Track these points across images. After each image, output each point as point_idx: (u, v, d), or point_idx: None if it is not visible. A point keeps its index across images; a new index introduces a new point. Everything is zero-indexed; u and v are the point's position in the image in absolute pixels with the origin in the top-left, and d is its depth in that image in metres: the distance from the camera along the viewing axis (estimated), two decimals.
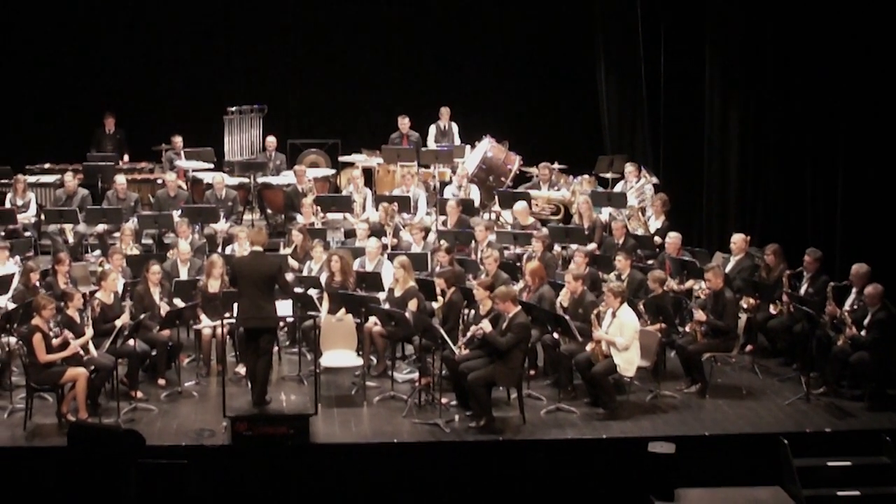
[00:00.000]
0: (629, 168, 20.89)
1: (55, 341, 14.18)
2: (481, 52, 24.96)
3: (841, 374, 15.18)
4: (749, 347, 16.40)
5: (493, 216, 20.70)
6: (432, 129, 23.47)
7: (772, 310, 16.36)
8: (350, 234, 19.60)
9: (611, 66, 23.88)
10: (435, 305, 15.81)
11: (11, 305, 15.60)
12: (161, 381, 15.56)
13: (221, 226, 19.79)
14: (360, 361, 15.62)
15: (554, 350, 15.44)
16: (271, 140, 23.19)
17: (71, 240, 19.74)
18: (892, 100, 16.81)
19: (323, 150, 23.92)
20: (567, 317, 14.96)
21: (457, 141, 23.20)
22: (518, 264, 17.61)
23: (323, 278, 16.66)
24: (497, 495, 13.85)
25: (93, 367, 14.33)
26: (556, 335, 15.26)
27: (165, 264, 16.96)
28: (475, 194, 21.04)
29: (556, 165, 21.70)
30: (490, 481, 13.85)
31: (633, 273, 16.66)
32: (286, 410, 14.74)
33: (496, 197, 20.84)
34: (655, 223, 19.33)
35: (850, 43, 17.36)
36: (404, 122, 23.28)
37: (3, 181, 21.21)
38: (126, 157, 23.63)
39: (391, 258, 16.97)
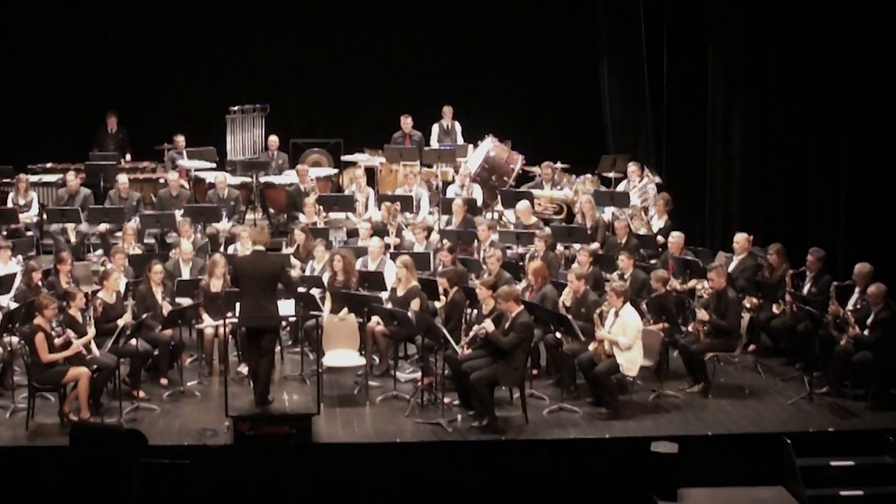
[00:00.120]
0: (632, 167, 20.86)
1: (57, 341, 14.17)
2: (484, 51, 24.92)
3: (844, 374, 15.17)
4: (752, 347, 16.39)
5: (496, 216, 20.68)
6: (435, 129, 23.46)
7: (775, 309, 16.35)
8: (352, 233, 19.59)
9: (613, 65, 23.86)
10: (437, 305, 15.80)
11: (13, 305, 15.61)
12: (163, 381, 15.56)
13: (224, 225, 19.79)
14: (362, 361, 15.62)
15: (556, 350, 15.43)
16: (273, 139, 23.17)
17: (73, 239, 19.75)
18: (894, 99, 16.79)
19: (325, 149, 23.90)
20: (570, 316, 14.94)
21: (460, 140, 23.18)
22: (521, 264, 17.61)
23: (325, 278, 16.65)
24: (500, 495, 13.83)
25: (95, 367, 14.33)
26: (558, 335, 15.26)
27: (168, 264, 16.96)
28: (478, 194, 21.02)
29: (558, 165, 21.70)
30: (493, 481, 13.83)
31: (636, 272, 16.65)
32: (288, 410, 14.74)
33: (499, 196, 20.83)
34: (658, 223, 19.32)
35: (852, 42, 17.36)
36: (407, 122, 23.27)
37: (5, 180, 21.20)
38: (128, 157, 23.61)
39: (394, 258, 16.96)
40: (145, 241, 19.47)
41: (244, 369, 15.64)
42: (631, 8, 22.77)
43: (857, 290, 15.43)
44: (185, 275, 16.99)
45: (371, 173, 22.62)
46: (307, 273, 17.20)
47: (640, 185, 20.57)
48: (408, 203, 20.12)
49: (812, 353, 15.30)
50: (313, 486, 13.72)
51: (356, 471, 13.77)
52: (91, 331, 14.64)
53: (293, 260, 17.69)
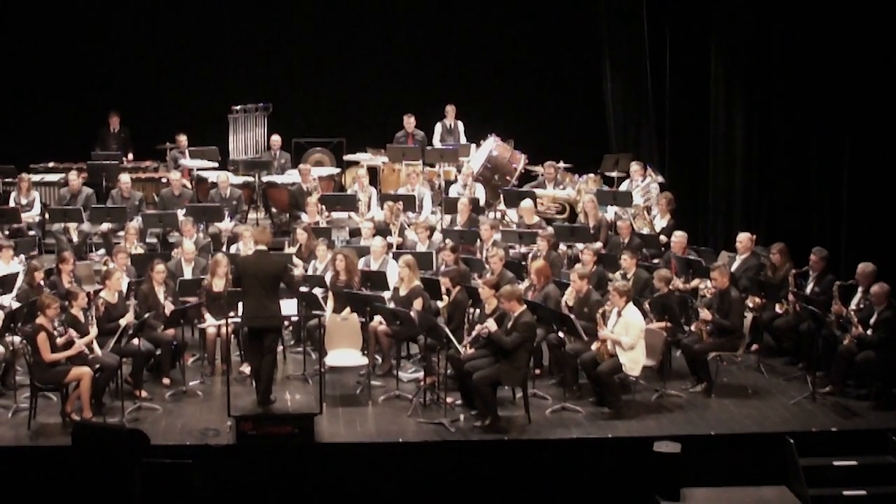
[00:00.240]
0: (635, 167, 20.86)
1: (59, 340, 14.17)
2: (487, 50, 24.91)
3: (847, 374, 15.14)
4: (755, 347, 16.38)
5: (499, 215, 20.67)
6: (438, 128, 23.45)
7: (778, 309, 16.34)
8: (355, 232, 19.57)
9: (616, 64, 23.84)
10: (440, 304, 15.78)
11: (16, 304, 15.60)
12: (165, 381, 15.57)
13: (226, 225, 19.79)
14: (364, 361, 15.61)
15: (559, 349, 15.41)
16: (276, 139, 23.15)
17: (75, 239, 19.75)
18: None
19: (328, 148, 23.88)
20: (572, 316, 14.93)
21: (463, 139, 23.19)
22: (523, 263, 17.60)
23: (328, 277, 16.65)
24: (502, 495, 13.82)
25: (97, 367, 14.32)
26: (561, 334, 15.24)
27: (170, 263, 16.95)
28: (480, 193, 21.01)
29: (561, 164, 21.68)
30: (495, 481, 13.82)
31: (639, 272, 16.63)
32: (291, 410, 14.73)
33: (501, 196, 20.81)
34: (661, 222, 19.31)
35: (855, 42, 17.37)
36: (410, 121, 23.26)
37: (7, 180, 21.20)
38: (130, 156, 23.57)
39: (396, 257, 16.94)
40: (147, 240, 19.46)
41: (246, 369, 15.64)
42: (633, 7, 22.77)
43: (860, 289, 15.41)
44: (188, 274, 16.98)
45: (373, 173, 22.62)
46: (309, 272, 17.19)
47: (643, 184, 20.56)
48: (410, 202, 20.12)
49: (815, 353, 15.28)
50: (315, 485, 13.71)
51: (358, 471, 13.76)
52: (93, 330, 14.62)
53: (295, 259, 17.68)
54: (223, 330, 15.61)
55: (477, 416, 14.30)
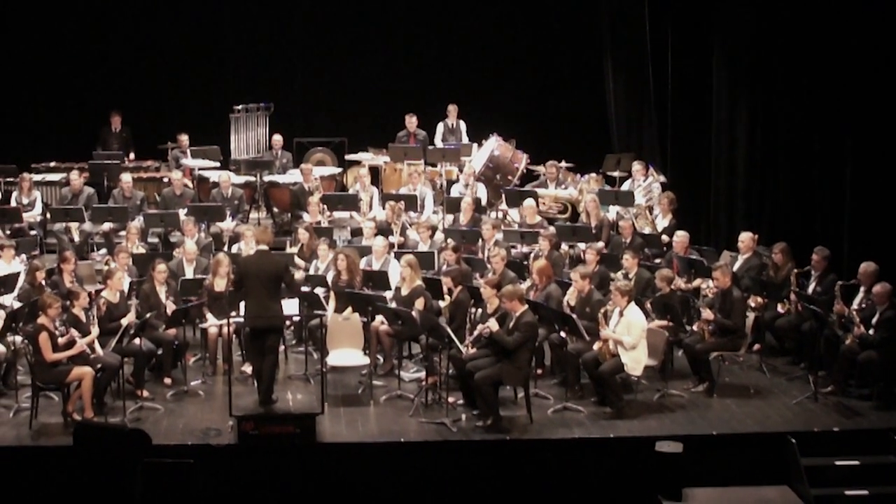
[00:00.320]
0: (637, 166, 20.85)
1: (61, 340, 14.16)
2: (489, 50, 24.90)
3: (849, 373, 15.13)
4: (757, 346, 16.36)
5: (500, 215, 20.66)
6: (440, 128, 23.46)
7: (780, 309, 16.33)
8: (356, 232, 19.55)
9: (618, 64, 23.83)
10: (442, 304, 15.79)
11: (17, 304, 15.59)
12: (167, 380, 15.56)
13: (227, 224, 19.78)
14: (366, 360, 15.60)
15: (561, 349, 15.40)
16: (277, 138, 23.15)
17: (77, 238, 19.75)
18: None
19: (329, 148, 23.89)
20: (574, 315, 14.92)
21: (465, 139, 23.18)
22: (525, 263, 17.59)
23: (329, 277, 16.64)
24: (504, 495, 13.81)
25: (99, 366, 14.32)
26: (563, 334, 15.22)
27: (171, 263, 16.92)
28: (482, 193, 21.01)
29: (563, 164, 21.67)
30: (497, 481, 13.81)
31: (641, 272, 16.62)
32: (292, 409, 14.72)
33: (503, 195, 20.80)
34: (663, 222, 19.30)
35: (857, 41, 17.34)
36: (411, 121, 23.25)
37: (8, 180, 21.18)
38: (132, 156, 23.57)
39: (398, 257, 16.92)
40: (149, 240, 19.48)
41: (248, 369, 15.63)
42: (635, 7, 22.74)
43: (862, 289, 15.40)
44: (189, 274, 16.97)
45: (375, 172, 22.61)
46: (311, 272, 17.18)
47: (645, 184, 20.56)
48: (412, 202, 20.12)
49: (817, 353, 15.25)
50: (317, 485, 13.70)
51: (360, 470, 13.75)
52: (95, 330, 14.61)
53: (297, 259, 17.67)
54: (225, 330, 15.61)
55: (479, 416, 14.29)
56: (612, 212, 19.90)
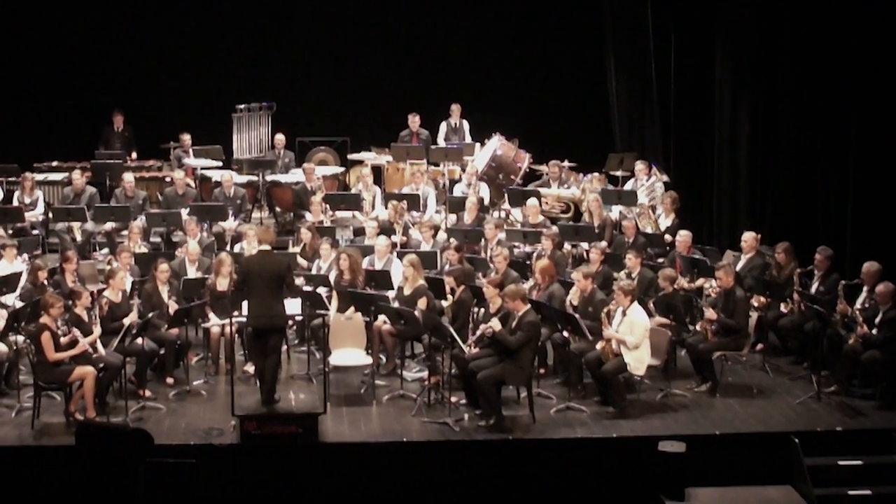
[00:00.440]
0: (639, 166, 20.85)
1: (63, 340, 14.15)
2: (492, 49, 24.88)
3: (852, 373, 15.14)
4: (760, 346, 16.34)
5: (503, 214, 20.64)
6: (443, 127, 23.44)
7: (783, 308, 16.32)
8: (359, 232, 19.53)
9: (621, 63, 23.82)
10: (444, 304, 15.77)
11: (19, 304, 15.58)
12: (169, 380, 15.55)
13: (230, 224, 19.77)
14: (369, 360, 15.57)
15: (564, 349, 15.39)
16: (280, 138, 23.13)
17: (79, 238, 19.75)
18: None
19: (332, 147, 23.88)
20: (577, 315, 14.92)
21: (468, 138, 23.16)
22: (528, 262, 17.58)
23: (332, 276, 16.62)
24: (507, 495, 13.80)
25: (101, 366, 14.30)
26: (565, 334, 15.21)
27: (174, 262, 16.90)
28: (485, 192, 20.99)
29: (566, 163, 21.65)
30: (500, 480, 13.80)
31: (644, 271, 16.61)
32: (295, 409, 14.70)
33: (506, 195, 20.78)
34: (666, 221, 19.29)
35: (861, 40, 17.32)
36: (414, 120, 23.23)
37: (10, 179, 21.16)
38: (134, 155, 23.57)
39: (400, 256, 16.91)
40: (151, 239, 19.48)
41: (250, 368, 15.63)
42: (638, 6, 22.73)
43: (865, 288, 15.39)
44: (191, 274, 16.94)
45: (378, 172, 22.61)
46: (313, 272, 17.17)
47: (648, 183, 20.54)
48: (414, 202, 20.09)
49: (820, 352, 15.23)
50: (320, 485, 13.69)
51: (362, 470, 13.74)
52: (97, 330, 14.61)
53: (300, 259, 17.66)
54: (227, 329, 15.60)
55: (481, 416, 14.28)
56: (615, 211, 19.88)
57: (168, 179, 21.69)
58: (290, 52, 25.10)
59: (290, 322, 16.45)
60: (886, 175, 17.11)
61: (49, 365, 13.98)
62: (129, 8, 24.49)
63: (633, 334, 14.49)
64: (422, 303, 15.63)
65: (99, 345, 14.56)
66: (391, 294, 16.28)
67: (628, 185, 20.86)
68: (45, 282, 16.06)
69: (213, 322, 16.01)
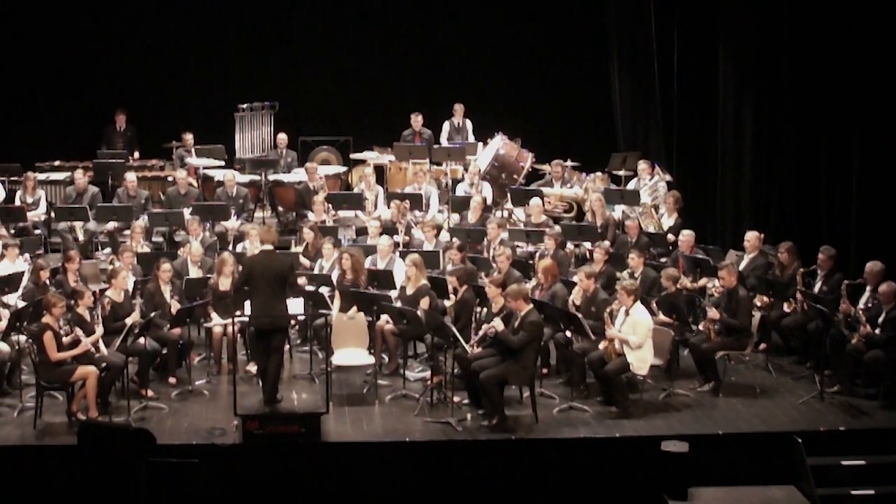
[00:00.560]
0: (642, 165, 20.82)
1: (65, 339, 14.15)
2: (495, 49, 24.88)
3: (855, 373, 15.11)
4: (763, 346, 16.31)
5: (506, 214, 20.62)
6: (446, 126, 23.42)
7: (786, 308, 16.30)
8: (361, 231, 19.53)
9: (624, 62, 23.80)
10: (447, 303, 15.75)
11: (21, 303, 15.55)
12: (172, 380, 15.53)
13: (232, 223, 19.75)
14: (371, 360, 15.57)
15: (566, 348, 15.39)
16: (282, 137, 23.12)
17: (81, 237, 19.74)
18: None
19: (334, 147, 23.86)
20: (580, 315, 14.91)
21: (471, 138, 23.15)
22: (530, 262, 17.57)
23: (334, 276, 16.62)
24: (509, 494, 13.79)
25: (103, 366, 14.29)
26: (568, 333, 15.21)
27: (176, 262, 16.89)
28: (487, 192, 20.97)
29: (568, 163, 21.63)
30: (502, 480, 13.79)
31: (647, 271, 16.59)
32: (297, 409, 14.69)
33: (508, 194, 20.77)
34: (668, 221, 19.28)
35: (863, 39, 17.32)
36: (417, 120, 23.21)
37: (13, 179, 21.15)
38: (136, 155, 23.56)
39: (403, 256, 16.92)
40: (153, 239, 19.49)
41: (253, 368, 15.61)
42: (641, 5, 22.73)
43: (868, 288, 15.38)
44: (194, 273, 16.93)
45: (380, 171, 22.60)
46: (316, 271, 17.16)
47: (651, 182, 20.52)
48: (417, 201, 20.07)
49: (823, 352, 15.22)
50: (322, 485, 13.68)
51: (365, 470, 13.73)
52: (99, 329, 14.60)
53: (302, 258, 17.65)
54: (229, 329, 15.58)
55: (484, 416, 14.27)
56: (618, 211, 19.86)
57: (170, 179, 21.69)
58: (292, 51, 25.10)
59: (293, 322, 16.45)
60: (889, 174, 17.11)
61: (51, 365, 13.97)
62: (132, 7, 24.50)
63: (635, 334, 14.47)
64: (424, 302, 15.62)
65: (101, 344, 14.53)
66: (394, 294, 16.27)
67: (631, 185, 20.83)
68: (48, 281, 16.05)
69: (216, 322, 16.00)
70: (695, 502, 13.35)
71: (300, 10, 25.03)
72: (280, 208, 21.87)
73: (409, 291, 15.93)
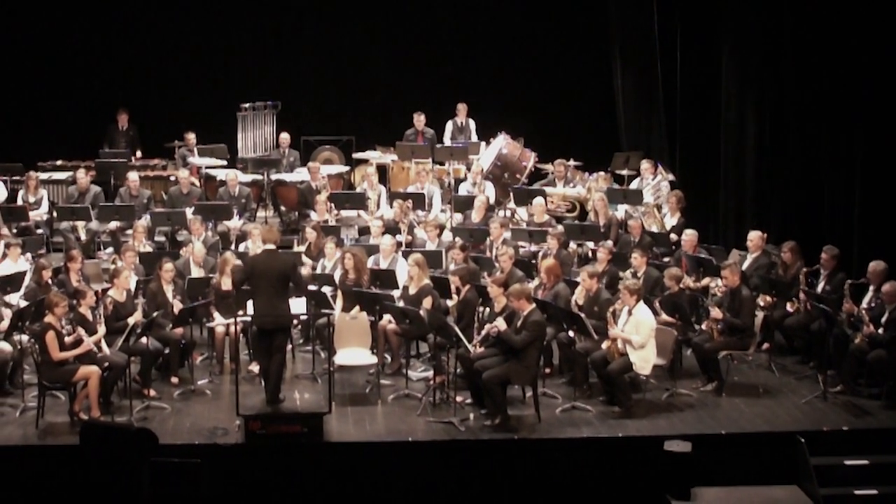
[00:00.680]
0: (645, 165, 20.83)
1: (68, 339, 14.15)
2: (497, 48, 24.87)
3: (858, 373, 15.09)
4: (766, 345, 16.31)
5: (509, 213, 20.62)
6: (449, 126, 23.41)
7: (789, 307, 16.28)
8: (364, 231, 19.54)
9: (627, 62, 23.80)
10: (450, 303, 15.73)
11: (24, 303, 15.55)
12: (174, 380, 15.52)
13: (235, 223, 19.75)
14: (374, 359, 15.57)
15: (569, 348, 15.37)
16: (285, 137, 23.12)
17: (83, 237, 19.73)
18: None
19: (337, 146, 23.86)
20: (582, 314, 14.88)
21: (474, 137, 23.14)
22: (533, 262, 17.56)
23: (337, 276, 16.61)
24: (512, 494, 13.78)
25: (105, 365, 14.29)
26: (571, 333, 15.20)
27: (178, 262, 16.89)
28: (490, 191, 20.96)
29: (571, 162, 21.64)
30: (505, 480, 13.78)
31: (649, 270, 16.58)
32: (300, 409, 14.70)
33: (511, 194, 20.76)
34: (671, 220, 19.28)
35: (866, 39, 17.30)
36: (420, 119, 23.21)
37: (15, 178, 21.16)
38: (139, 154, 23.56)
39: (405, 256, 16.91)
40: (156, 238, 19.47)
41: (255, 368, 15.60)
42: (644, 5, 22.71)
43: (871, 288, 15.36)
44: (196, 273, 16.92)
45: (383, 171, 22.60)
46: (318, 271, 17.16)
47: (654, 182, 20.52)
48: (420, 201, 20.07)
49: (826, 352, 15.21)
50: (324, 485, 13.67)
51: (367, 470, 13.72)
52: (101, 329, 14.60)
53: (304, 258, 17.64)
54: (232, 329, 15.57)
55: (487, 415, 14.26)
56: (621, 210, 19.85)
57: (173, 178, 21.69)
58: (295, 50, 25.07)
59: (295, 321, 16.45)
60: (893, 174, 17.08)
61: (53, 364, 13.97)
62: (134, 6, 24.49)
63: (638, 334, 14.46)
64: (427, 302, 15.61)
65: (103, 344, 14.50)
66: (396, 293, 16.26)
67: (634, 184, 20.81)
68: (50, 281, 16.03)
69: (218, 321, 16.00)
70: (698, 502, 13.33)
71: (303, 10, 25.01)
72: (282, 208, 21.86)
73: (412, 291, 15.92)
